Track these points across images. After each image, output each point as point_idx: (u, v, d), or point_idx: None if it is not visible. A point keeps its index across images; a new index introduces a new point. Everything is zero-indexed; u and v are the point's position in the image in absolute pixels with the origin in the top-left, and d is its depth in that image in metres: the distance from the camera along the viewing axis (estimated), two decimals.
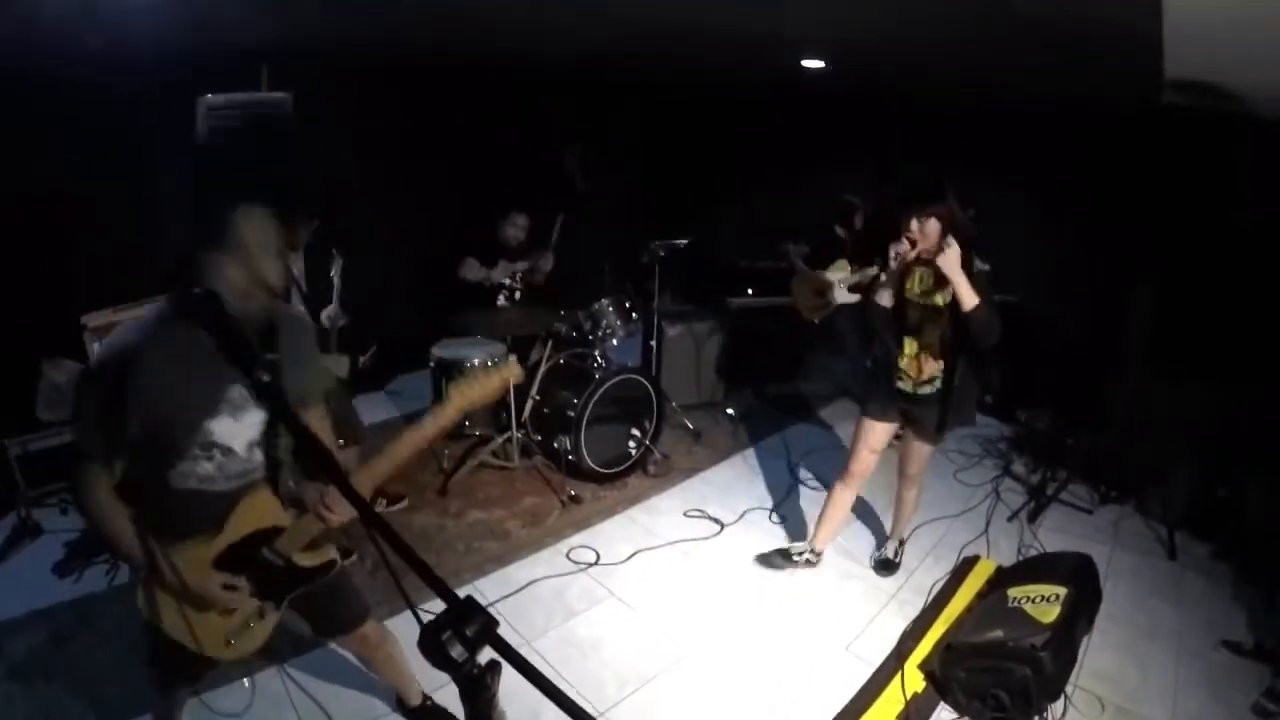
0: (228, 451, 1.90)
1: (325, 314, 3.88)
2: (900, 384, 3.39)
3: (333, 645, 2.89)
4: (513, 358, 2.08)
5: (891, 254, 3.19)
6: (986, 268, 3.27)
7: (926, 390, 3.33)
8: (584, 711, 0.91)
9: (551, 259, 5.20)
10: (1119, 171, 5.06)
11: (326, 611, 2.29)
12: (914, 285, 3.28)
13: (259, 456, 1.98)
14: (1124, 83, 3.46)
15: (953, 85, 4.68)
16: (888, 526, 4.18)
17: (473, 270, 4.79)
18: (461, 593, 1.01)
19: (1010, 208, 5.42)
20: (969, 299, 2.97)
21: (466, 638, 0.94)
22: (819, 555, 3.93)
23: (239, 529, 1.94)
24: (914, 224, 3.11)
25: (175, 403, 1.78)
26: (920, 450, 3.55)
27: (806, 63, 4.36)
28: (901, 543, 4.00)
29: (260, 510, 1.96)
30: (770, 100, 6.81)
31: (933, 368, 3.29)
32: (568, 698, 0.91)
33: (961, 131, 5.59)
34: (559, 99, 6.39)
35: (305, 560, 2.07)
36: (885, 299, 3.31)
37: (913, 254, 3.14)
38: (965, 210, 3.22)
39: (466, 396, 1.85)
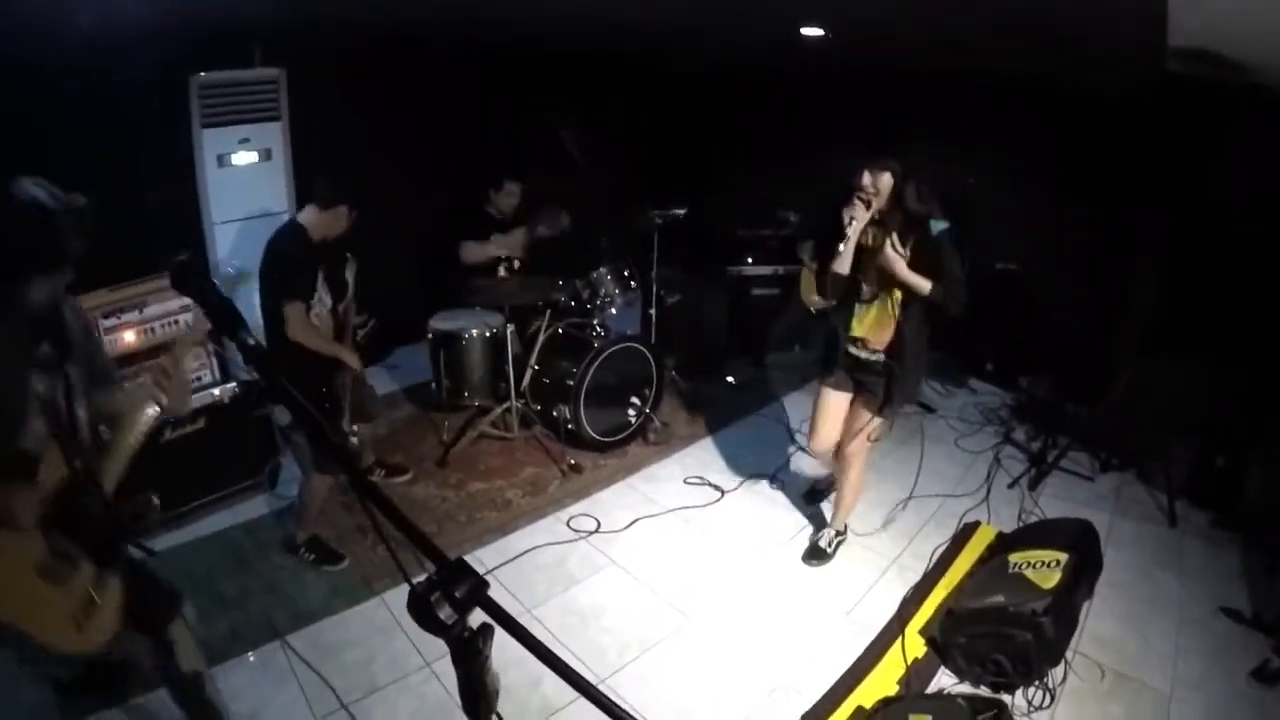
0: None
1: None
2: (854, 350, 3.30)
3: None
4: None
5: (845, 218, 3.04)
6: (946, 224, 3.00)
7: (878, 359, 3.23)
8: (574, 671, 0.89)
9: (564, 214, 5.12)
10: (1122, 141, 4.98)
11: None
12: (869, 244, 3.13)
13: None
14: (1128, 51, 3.40)
15: (954, 54, 4.59)
16: (890, 492, 4.23)
17: (473, 252, 4.74)
18: None
19: (1012, 176, 5.37)
20: (922, 289, 2.98)
21: (455, 599, 0.92)
22: (843, 532, 3.82)
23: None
24: (866, 177, 3.00)
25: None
26: (861, 419, 3.41)
27: (806, 30, 4.28)
28: (839, 533, 3.78)
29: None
30: (770, 69, 6.70)
31: (886, 337, 3.19)
32: (556, 656, 0.90)
33: (963, 100, 5.49)
34: (554, 71, 6.28)
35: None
36: (844, 266, 3.12)
37: (866, 215, 3.02)
38: (966, 182, 3.01)
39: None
